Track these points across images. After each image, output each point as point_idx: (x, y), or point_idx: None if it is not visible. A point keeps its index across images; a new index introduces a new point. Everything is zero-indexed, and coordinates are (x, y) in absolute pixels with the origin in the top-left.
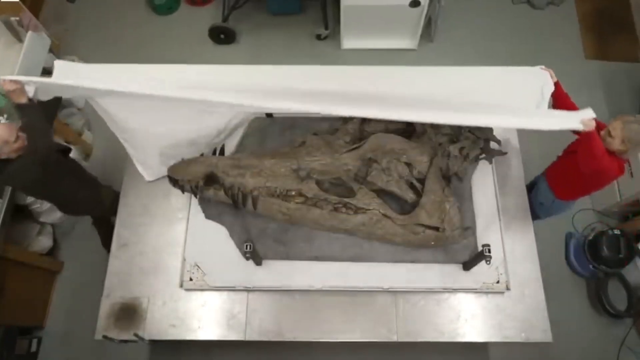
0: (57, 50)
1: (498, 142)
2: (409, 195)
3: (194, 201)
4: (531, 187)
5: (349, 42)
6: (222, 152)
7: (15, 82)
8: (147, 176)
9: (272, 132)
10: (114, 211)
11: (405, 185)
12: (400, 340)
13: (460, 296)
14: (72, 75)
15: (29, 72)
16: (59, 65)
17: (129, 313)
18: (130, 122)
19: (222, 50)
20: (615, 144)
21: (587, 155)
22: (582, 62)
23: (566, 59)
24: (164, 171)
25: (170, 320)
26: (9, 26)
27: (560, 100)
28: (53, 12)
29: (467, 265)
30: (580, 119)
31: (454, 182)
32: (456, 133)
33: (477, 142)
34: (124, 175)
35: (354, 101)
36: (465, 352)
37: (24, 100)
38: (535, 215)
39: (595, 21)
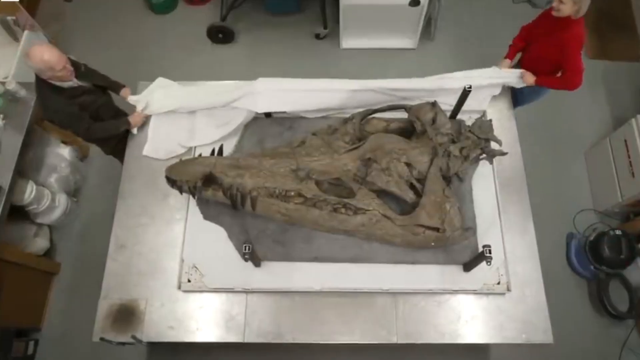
0: None
1: (499, 142)
2: (409, 196)
3: (192, 202)
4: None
5: (348, 42)
6: (220, 152)
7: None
8: (145, 149)
9: (271, 133)
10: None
11: (405, 186)
12: (400, 341)
13: (461, 297)
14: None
15: (26, 71)
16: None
17: (127, 315)
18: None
19: (221, 49)
20: (568, 8)
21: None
22: (584, 62)
23: None
24: (164, 151)
25: (168, 322)
26: (6, 25)
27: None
28: (50, 11)
29: (468, 266)
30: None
31: (455, 182)
32: (457, 133)
33: (477, 142)
34: (121, 176)
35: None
36: (466, 354)
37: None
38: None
39: (596, 21)
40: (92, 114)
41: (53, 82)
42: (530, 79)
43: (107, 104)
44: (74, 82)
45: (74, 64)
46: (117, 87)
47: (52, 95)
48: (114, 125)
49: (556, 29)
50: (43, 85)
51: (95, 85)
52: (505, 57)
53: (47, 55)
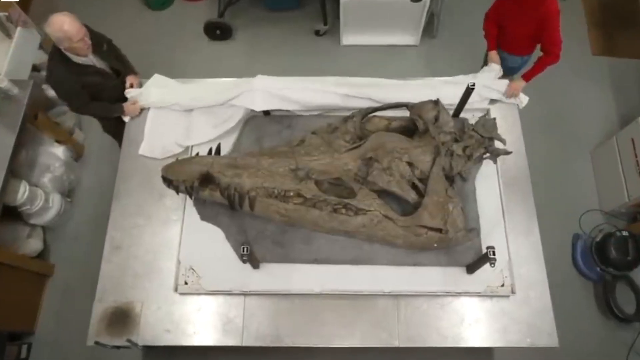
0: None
1: (503, 140)
2: (411, 196)
3: (189, 202)
4: None
5: (348, 38)
6: (218, 151)
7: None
8: (142, 148)
9: (269, 131)
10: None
11: (407, 186)
12: (401, 345)
13: (464, 300)
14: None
15: (19, 68)
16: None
17: (122, 318)
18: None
19: (218, 46)
20: None
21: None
22: (589, 59)
23: (573, 55)
24: (160, 150)
25: (165, 325)
26: None
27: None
28: (43, 7)
29: (471, 268)
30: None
31: (458, 182)
32: (460, 132)
33: (481, 141)
34: (116, 175)
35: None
36: (469, 357)
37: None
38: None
39: (602, 16)
40: (94, 95)
41: (68, 53)
42: (520, 84)
43: (114, 88)
44: (88, 59)
45: (98, 40)
46: (130, 72)
47: (59, 65)
48: (107, 109)
49: (531, 7)
50: (56, 53)
51: (111, 68)
52: (490, 50)
53: (67, 26)
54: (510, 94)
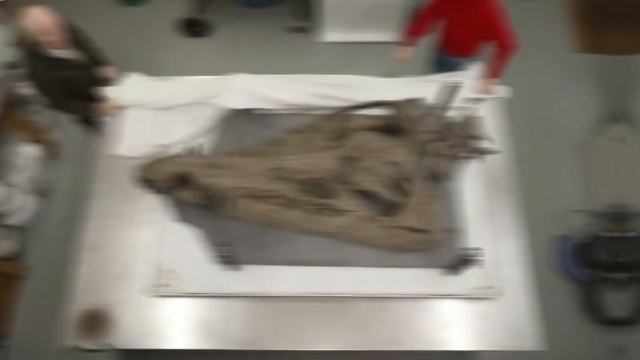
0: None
1: (489, 140)
2: (394, 197)
3: (168, 203)
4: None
5: (331, 35)
6: (197, 151)
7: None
8: (120, 148)
9: (250, 130)
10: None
11: (391, 186)
12: (384, 349)
13: (448, 302)
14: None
15: None
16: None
17: (99, 321)
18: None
19: (196, 43)
20: None
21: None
22: (574, 56)
23: (558, 52)
24: (139, 150)
25: (143, 328)
26: None
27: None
28: (14, 3)
29: (456, 270)
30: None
31: (443, 182)
32: (445, 131)
33: (467, 140)
34: (94, 175)
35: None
36: None
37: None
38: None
39: (588, 11)
40: (72, 88)
41: (43, 47)
42: (491, 82)
43: (92, 81)
44: (64, 53)
45: (72, 32)
46: (104, 63)
47: (35, 59)
48: (84, 108)
49: (472, 11)
50: (32, 46)
51: (88, 59)
52: (406, 45)
53: (42, 19)
54: (485, 92)
